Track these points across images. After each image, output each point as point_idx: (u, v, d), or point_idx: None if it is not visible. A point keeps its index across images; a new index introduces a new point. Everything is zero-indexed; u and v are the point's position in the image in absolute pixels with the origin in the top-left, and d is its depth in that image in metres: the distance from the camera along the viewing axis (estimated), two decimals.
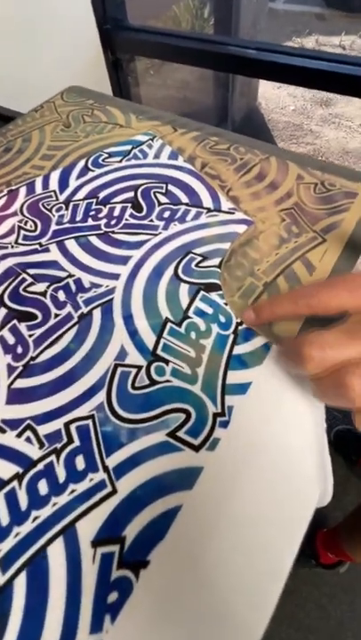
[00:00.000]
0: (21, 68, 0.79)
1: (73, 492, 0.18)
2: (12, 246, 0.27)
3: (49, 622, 0.15)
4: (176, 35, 0.95)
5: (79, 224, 0.28)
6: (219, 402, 0.20)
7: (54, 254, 0.27)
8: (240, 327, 0.22)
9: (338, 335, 0.17)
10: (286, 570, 0.16)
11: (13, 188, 0.32)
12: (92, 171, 0.32)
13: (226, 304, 0.23)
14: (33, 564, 0.16)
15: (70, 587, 0.16)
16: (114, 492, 0.18)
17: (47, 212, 0.30)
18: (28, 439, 0.19)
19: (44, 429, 0.19)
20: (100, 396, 0.20)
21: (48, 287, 0.25)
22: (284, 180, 0.30)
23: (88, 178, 0.32)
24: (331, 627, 0.87)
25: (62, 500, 0.17)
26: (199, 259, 0.25)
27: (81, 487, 0.18)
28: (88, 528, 0.17)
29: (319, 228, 0.27)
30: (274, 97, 1.97)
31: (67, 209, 0.30)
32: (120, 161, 0.33)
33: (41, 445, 0.19)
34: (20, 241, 0.28)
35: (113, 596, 0.16)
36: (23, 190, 0.31)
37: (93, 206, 0.29)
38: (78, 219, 0.29)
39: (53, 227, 0.29)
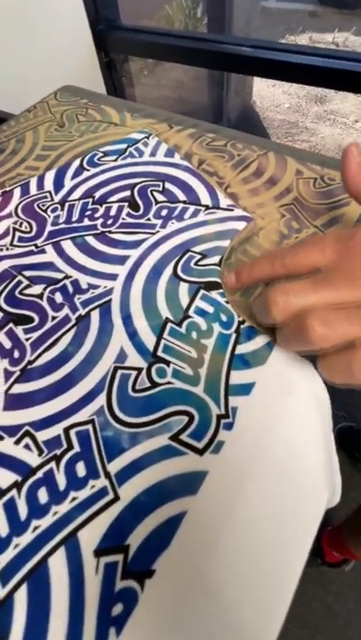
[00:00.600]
0: (14, 69, 0.79)
1: (74, 499, 0.17)
2: (7, 248, 0.27)
3: (51, 637, 0.15)
4: (169, 34, 0.95)
5: (75, 224, 0.28)
6: (222, 403, 0.19)
7: (50, 255, 0.26)
8: (242, 326, 0.22)
9: (303, 284, 0.18)
10: (296, 577, 0.16)
11: (7, 189, 0.31)
12: (88, 170, 0.32)
13: (227, 302, 0.23)
14: (34, 576, 0.16)
15: (73, 599, 0.15)
16: (116, 498, 0.17)
17: (42, 213, 0.29)
18: (26, 446, 0.19)
19: (42, 435, 0.19)
20: (100, 400, 0.20)
21: (45, 289, 0.24)
22: (283, 176, 0.30)
23: (83, 177, 0.31)
24: (338, 625, 0.86)
25: (63, 508, 0.17)
26: (198, 257, 0.25)
27: (82, 495, 0.17)
28: (90, 537, 0.16)
29: (320, 223, 0.26)
30: (269, 95, 1.97)
31: (62, 209, 0.29)
32: (115, 160, 0.32)
33: (40, 452, 0.18)
34: (15, 243, 0.27)
35: (118, 608, 0.15)
36: (18, 191, 0.31)
37: (89, 206, 0.29)
38: (74, 219, 0.28)
39: (49, 227, 0.28)
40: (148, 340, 0.22)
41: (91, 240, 0.27)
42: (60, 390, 0.20)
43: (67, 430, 0.19)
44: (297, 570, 0.16)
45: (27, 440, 0.19)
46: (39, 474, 0.18)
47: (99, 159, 0.33)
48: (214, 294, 0.23)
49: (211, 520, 0.17)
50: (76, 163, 0.33)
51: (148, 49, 0.99)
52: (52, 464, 0.18)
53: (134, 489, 0.17)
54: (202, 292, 0.23)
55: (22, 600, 0.15)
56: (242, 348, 0.21)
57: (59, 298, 0.24)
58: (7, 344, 0.22)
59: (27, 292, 0.24)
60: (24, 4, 0.76)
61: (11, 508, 0.17)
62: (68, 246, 0.26)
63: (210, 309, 0.22)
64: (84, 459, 0.18)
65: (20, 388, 0.20)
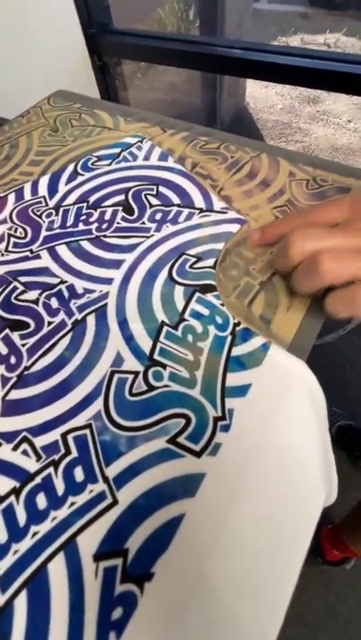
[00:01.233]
0: (6, 73, 0.79)
1: (72, 504, 0.17)
2: (2, 254, 0.27)
3: None
4: (162, 37, 0.95)
5: (70, 229, 0.28)
6: (219, 405, 0.19)
7: (45, 261, 0.26)
8: (238, 328, 0.22)
9: (319, 231, 0.21)
10: (295, 577, 0.16)
11: (2, 195, 0.31)
12: (82, 175, 0.32)
13: (222, 305, 0.23)
14: (33, 582, 0.16)
15: (73, 604, 0.15)
16: (115, 502, 0.17)
17: (37, 219, 0.29)
18: (24, 452, 0.19)
19: (40, 441, 0.19)
20: (98, 405, 0.20)
21: (40, 294, 0.24)
22: (275, 178, 0.30)
23: (78, 182, 0.31)
24: (339, 624, 0.86)
25: (62, 513, 0.17)
26: (193, 260, 0.25)
27: (81, 499, 0.17)
28: (89, 542, 0.16)
29: None
30: (262, 96, 1.98)
31: (57, 214, 0.29)
32: (109, 164, 0.32)
33: (38, 458, 0.18)
34: (10, 248, 0.27)
35: (117, 612, 0.15)
36: (12, 197, 0.31)
37: (84, 211, 0.29)
38: (69, 224, 0.28)
39: (44, 233, 0.28)
40: (145, 343, 0.22)
41: (86, 245, 0.27)
42: (57, 395, 0.20)
43: (64, 435, 0.19)
44: (295, 570, 0.16)
45: (24, 446, 0.19)
46: (37, 479, 0.18)
47: (93, 164, 0.33)
48: (209, 297, 0.23)
49: (209, 522, 0.17)
50: (70, 167, 0.33)
51: (141, 52, 0.99)
52: (51, 469, 0.18)
53: (133, 493, 0.17)
54: (197, 294, 0.23)
55: (22, 606, 0.15)
56: (237, 350, 0.21)
57: (54, 303, 0.24)
58: (3, 350, 0.22)
59: (22, 297, 0.24)
60: (16, 8, 0.76)
61: (9, 514, 0.17)
62: (63, 251, 0.27)
63: (205, 312, 0.23)
64: (83, 463, 0.18)
65: (17, 394, 0.20)
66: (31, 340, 0.22)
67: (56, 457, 0.18)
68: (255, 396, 0.20)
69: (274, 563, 0.16)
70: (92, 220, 0.28)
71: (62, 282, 0.25)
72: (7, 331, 0.23)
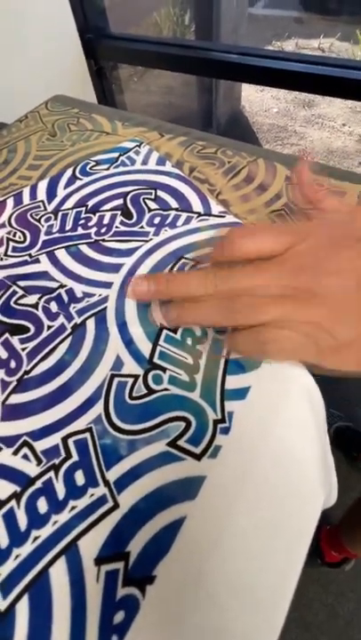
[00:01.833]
0: (4, 78, 0.79)
1: (73, 508, 0.17)
2: (2, 259, 0.27)
3: None
4: (158, 42, 0.96)
5: (69, 233, 0.28)
6: (218, 408, 0.20)
7: (45, 265, 0.26)
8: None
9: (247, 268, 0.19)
10: (295, 579, 0.16)
11: (0, 199, 0.31)
12: (80, 179, 0.32)
13: None
14: (35, 586, 0.16)
15: (75, 609, 0.15)
16: (115, 506, 0.17)
17: (36, 223, 0.29)
18: (24, 456, 0.19)
19: (41, 445, 0.19)
20: (98, 408, 0.20)
21: (40, 299, 0.24)
22: (272, 182, 0.30)
23: (76, 187, 0.31)
24: (339, 626, 0.86)
25: (63, 517, 0.17)
26: (192, 264, 0.25)
27: (82, 503, 0.17)
28: (91, 546, 0.16)
29: None
30: (257, 100, 1.99)
31: (56, 219, 0.29)
32: (108, 168, 0.33)
33: (38, 462, 0.18)
34: (9, 253, 0.27)
35: (119, 616, 0.15)
36: (10, 201, 0.31)
37: (83, 215, 0.29)
38: (68, 228, 0.28)
39: (43, 237, 0.28)
40: (144, 347, 0.22)
41: (85, 249, 0.27)
42: (57, 399, 0.20)
43: (65, 439, 0.19)
44: (295, 574, 0.16)
45: (25, 450, 0.19)
46: (38, 484, 0.18)
47: (91, 168, 0.33)
48: None
49: (210, 524, 0.17)
50: (69, 172, 0.33)
51: (137, 56, 1.00)
52: (51, 473, 0.18)
53: (133, 496, 0.17)
54: None
55: (24, 611, 0.15)
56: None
57: (54, 307, 0.24)
58: (3, 354, 0.22)
59: (22, 301, 0.24)
60: (13, 13, 0.76)
61: (10, 518, 0.17)
62: (62, 255, 0.27)
63: None
64: (83, 467, 0.18)
65: (17, 399, 0.20)
66: (31, 345, 0.22)
67: (57, 461, 0.18)
68: (254, 399, 0.20)
69: (273, 566, 0.16)
70: (90, 224, 0.28)
71: (62, 286, 0.25)
72: (7, 335, 0.23)
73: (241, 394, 0.20)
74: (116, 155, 0.34)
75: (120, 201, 0.30)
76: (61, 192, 0.31)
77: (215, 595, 0.16)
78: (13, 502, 0.17)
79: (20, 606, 0.15)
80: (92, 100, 1.05)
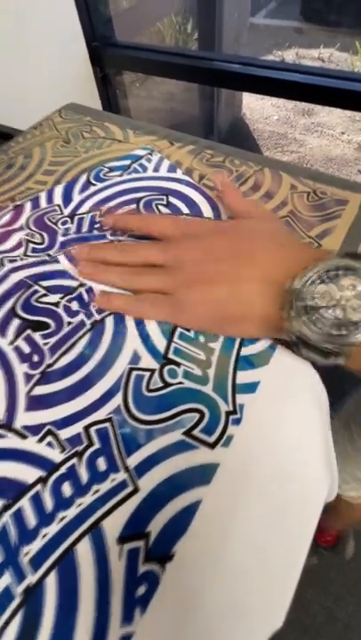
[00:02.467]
0: (14, 83, 0.81)
1: (96, 492, 0.18)
2: (21, 259, 0.28)
3: (81, 618, 0.16)
4: (163, 51, 0.98)
5: (86, 234, 0.29)
6: (230, 400, 0.21)
7: (64, 264, 0.28)
8: None
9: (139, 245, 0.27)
10: (301, 561, 0.17)
11: (18, 203, 0.33)
12: (95, 185, 0.34)
13: None
14: (62, 563, 0.17)
15: (99, 583, 0.16)
16: (135, 490, 0.18)
17: (53, 226, 0.31)
18: (49, 444, 0.20)
19: (64, 434, 0.20)
20: (117, 400, 0.21)
21: (62, 298, 0.25)
22: (278, 190, 0.32)
23: (91, 192, 0.33)
24: (337, 628, 0.87)
25: (87, 500, 0.18)
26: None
27: (104, 487, 0.18)
28: (113, 526, 0.18)
29: (314, 234, 0.29)
30: (258, 107, 2.03)
31: (72, 222, 0.31)
32: (121, 175, 0.34)
33: (62, 449, 0.20)
34: (28, 253, 0.29)
35: (141, 590, 0.16)
36: (28, 205, 0.32)
37: (98, 218, 0.31)
38: (84, 230, 0.30)
39: (60, 238, 0.30)
40: (160, 343, 0.23)
41: None
42: (78, 391, 0.22)
43: (87, 428, 0.20)
44: (304, 548, 0.17)
45: (49, 438, 0.20)
46: (62, 469, 0.19)
47: (104, 174, 0.34)
48: None
49: (224, 507, 0.18)
50: (83, 178, 0.34)
51: (142, 65, 1.02)
52: (75, 460, 0.19)
53: (152, 481, 0.19)
54: None
55: (52, 585, 0.16)
56: (246, 350, 0.23)
57: (75, 306, 0.25)
58: (26, 349, 0.24)
59: (43, 300, 0.26)
60: (27, 23, 0.79)
61: (37, 501, 0.18)
62: None
63: None
64: (105, 454, 0.19)
65: (40, 390, 0.22)
66: (52, 340, 0.24)
67: (79, 448, 0.20)
68: (263, 392, 0.21)
69: (283, 542, 0.18)
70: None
71: (81, 285, 0.26)
72: (29, 331, 0.24)
73: (251, 388, 0.21)
74: (128, 162, 0.35)
75: (133, 206, 0.31)
76: (77, 197, 0.33)
77: (231, 569, 0.17)
78: (39, 486, 0.19)
79: (48, 581, 0.16)
80: (97, 104, 1.07)
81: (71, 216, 0.31)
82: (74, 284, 0.26)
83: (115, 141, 0.38)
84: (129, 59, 1.01)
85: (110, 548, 0.17)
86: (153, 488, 0.18)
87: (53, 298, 0.26)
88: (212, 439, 0.20)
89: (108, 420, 0.21)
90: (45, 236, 0.30)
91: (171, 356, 0.23)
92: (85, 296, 0.25)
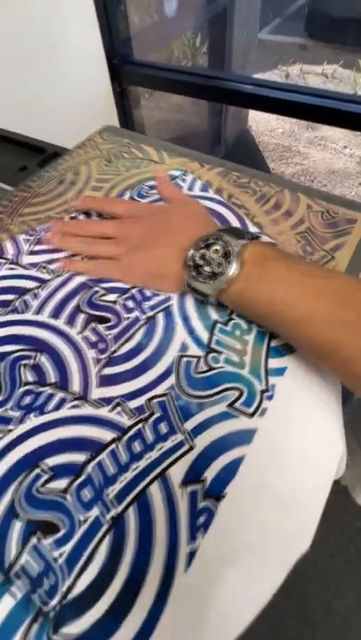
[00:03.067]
0: (40, 97, 0.88)
1: (161, 448, 0.23)
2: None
3: (156, 539, 0.21)
4: (177, 69, 1.05)
5: None
6: (264, 381, 0.26)
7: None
8: None
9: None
10: (323, 500, 0.22)
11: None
12: (138, 201, 0.39)
13: None
14: (138, 500, 0.22)
15: (169, 514, 0.21)
16: (192, 448, 0.23)
17: None
18: (119, 413, 0.25)
19: (131, 404, 0.25)
20: (171, 380, 0.26)
21: (119, 297, 0.31)
22: (296, 209, 0.37)
23: None
24: (337, 623, 0.90)
25: (154, 454, 0.23)
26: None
27: (167, 445, 0.24)
28: (176, 473, 0.23)
29: (328, 248, 0.34)
30: (263, 121, 2.10)
31: None
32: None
33: (130, 416, 0.25)
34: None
35: (201, 519, 0.21)
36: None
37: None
38: None
39: None
40: (203, 335, 0.28)
41: None
42: (139, 372, 0.27)
43: (149, 400, 0.25)
44: (325, 489, 0.22)
45: (119, 408, 0.25)
46: (132, 432, 0.24)
47: (146, 192, 0.40)
48: None
49: (262, 460, 0.23)
50: (127, 194, 0.40)
51: (158, 82, 1.09)
52: (141, 425, 0.24)
53: (205, 441, 0.24)
54: None
55: (133, 516, 0.21)
56: (275, 342, 0.28)
57: (130, 304, 0.30)
58: (93, 338, 0.29)
59: (103, 298, 0.31)
60: (55, 41, 0.86)
61: (114, 455, 0.23)
62: None
63: None
64: (165, 420, 0.24)
65: (108, 371, 0.27)
66: (114, 332, 0.29)
67: (144, 416, 0.25)
68: (291, 375, 0.26)
69: (309, 482, 0.23)
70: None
71: (134, 286, 0.31)
72: (94, 324, 0.29)
73: (280, 372, 0.27)
74: None
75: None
76: None
77: (269, 502, 0.22)
78: (115, 445, 0.24)
79: (129, 512, 0.21)
80: (114, 114, 1.14)
81: None
82: (127, 285, 0.31)
83: (151, 162, 0.44)
84: (146, 76, 1.08)
85: (175, 489, 0.22)
86: (206, 446, 0.24)
87: (111, 297, 0.31)
88: (250, 410, 0.25)
89: (166, 394, 0.26)
90: None
91: (213, 345, 0.28)
92: (138, 296, 0.31)
